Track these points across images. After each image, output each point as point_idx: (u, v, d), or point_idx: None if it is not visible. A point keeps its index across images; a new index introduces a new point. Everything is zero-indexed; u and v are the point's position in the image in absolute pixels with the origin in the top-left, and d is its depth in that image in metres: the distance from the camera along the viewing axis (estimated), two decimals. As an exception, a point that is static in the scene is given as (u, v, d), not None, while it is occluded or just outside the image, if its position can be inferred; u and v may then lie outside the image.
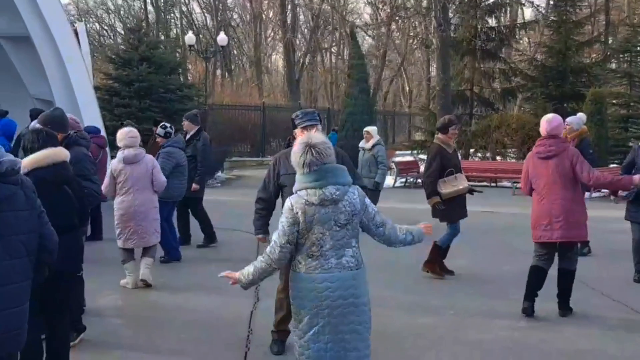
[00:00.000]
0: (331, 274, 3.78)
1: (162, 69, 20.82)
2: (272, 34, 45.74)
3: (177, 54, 32.79)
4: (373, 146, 11.14)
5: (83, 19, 48.45)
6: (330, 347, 3.80)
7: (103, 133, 12.25)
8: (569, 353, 5.49)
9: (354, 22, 38.31)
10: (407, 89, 46.76)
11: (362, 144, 11.44)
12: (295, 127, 4.91)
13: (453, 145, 8.16)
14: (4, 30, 13.85)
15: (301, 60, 43.75)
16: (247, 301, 6.66)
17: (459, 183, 7.93)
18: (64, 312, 4.75)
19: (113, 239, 7.64)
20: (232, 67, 46.74)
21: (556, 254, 6.46)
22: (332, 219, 3.77)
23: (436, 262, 8.08)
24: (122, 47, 22.45)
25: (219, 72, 43.62)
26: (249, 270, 3.89)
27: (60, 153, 4.67)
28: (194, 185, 9.19)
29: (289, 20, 41.92)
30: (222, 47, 26.43)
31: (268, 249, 3.86)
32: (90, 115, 13.96)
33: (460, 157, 9.18)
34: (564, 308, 6.49)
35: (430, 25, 22.69)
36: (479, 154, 22.34)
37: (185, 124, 9.72)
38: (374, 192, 11.10)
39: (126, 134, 7.35)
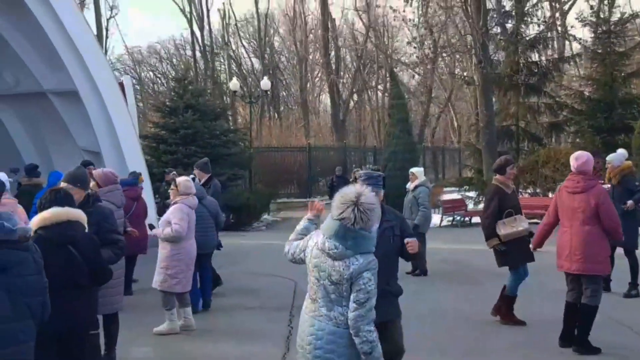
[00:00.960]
0: (320, 322, 3.83)
1: (206, 116, 21.30)
2: (319, 74, 46.27)
3: (224, 100, 33.43)
4: (415, 187, 11.21)
5: (136, 70, 50.19)
6: None
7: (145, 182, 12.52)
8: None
9: (393, 63, 38.54)
10: (456, 124, 46.56)
11: (408, 185, 11.51)
12: None
13: (512, 186, 8.06)
14: (54, 86, 14.45)
15: (347, 100, 44.11)
16: (277, 351, 6.69)
17: (518, 224, 7.73)
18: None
19: (142, 289, 7.79)
20: (281, 109, 47.45)
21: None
22: (327, 271, 3.80)
23: (510, 311, 7.86)
24: (170, 96, 23.06)
25: (267, 114, 44.21)
26: None
27: (65, 213, 4.67)
28: None
29: (333, 61, 42.42)
30: (266, 91, 26.82)
31: None
32: (134, 163, 14.40)
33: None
34: (579, 344, 6.48)
35: (471, 63, 22.62)
36: (529, 191, 21.97)
37: (196, 172, 9.85)
38: (418, 235, 11.12)
39: (186, 181, 7.81)
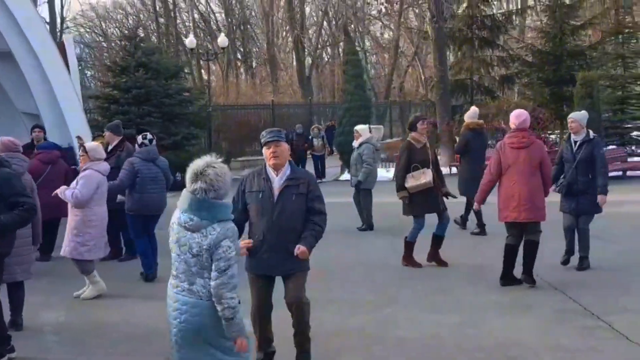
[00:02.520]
0: (183, 297, 3.91)
1: (160, 74, 21.19)
2: (285, 32, 45.98)
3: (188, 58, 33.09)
4: (360, 145, 11.49)
5: (101, 26, 49.36)
6: None
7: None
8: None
9: (347, 20, 38.28)
10: (423, 77, 46.58)
11: (353, 143, 11.76)
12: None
13: (423, 141, 8.51)
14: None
15: (313, 56, 43.94)
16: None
17: (424, 178, 8.27)
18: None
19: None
20: (254, 65, 47.08)
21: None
22: (187, 244, 3.88)
23: (410, 255, 8.62)
24: (122, 54, 22.83)
25: (234, 72, 43.92)
26: None
27: None
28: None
29: (298, 17, 42.12)
30: (223, 48, 26.67)
31: None
32: (76, 126, 14.44)
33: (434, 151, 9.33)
34: (528, 274, 7.37)
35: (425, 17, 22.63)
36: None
37: (107, 134, 9.70)
38: (364, 191, 11.46)
39: (96, 146, 7.88)
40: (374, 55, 49.79)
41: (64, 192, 7.45)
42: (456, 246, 9.33)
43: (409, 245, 8.60)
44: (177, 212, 3.97)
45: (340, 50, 45.41)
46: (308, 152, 22.20)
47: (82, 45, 43.70)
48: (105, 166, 7.83)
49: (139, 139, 8.61)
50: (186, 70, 27.52)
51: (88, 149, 7.77)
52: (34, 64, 13.99)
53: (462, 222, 11.05)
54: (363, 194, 11.56)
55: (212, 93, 28.75)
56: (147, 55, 21.08)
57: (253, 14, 47.68)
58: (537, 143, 7.48)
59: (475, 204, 7.86)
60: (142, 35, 23.53)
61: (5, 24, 13.60)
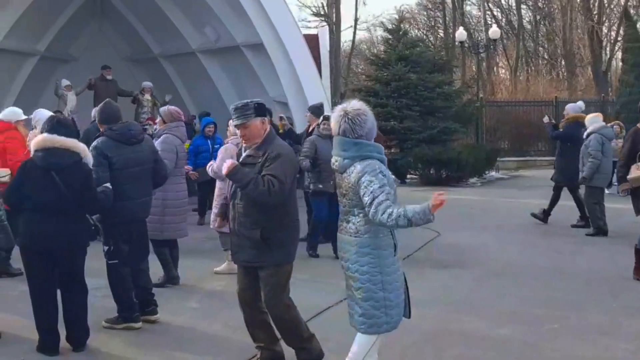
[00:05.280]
0: (342, 235, 4.18)
1: (422, 67, 20.90)
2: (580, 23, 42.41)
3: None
4: (587, 135, 10.34)
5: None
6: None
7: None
8: None
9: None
10: None
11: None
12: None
13: None
14: (244, 40, 15.35)
15: (611, 49, 39.88)
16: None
17: None
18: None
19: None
20: (542, 60, 44.52)
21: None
22: (341, 186, 4.15)
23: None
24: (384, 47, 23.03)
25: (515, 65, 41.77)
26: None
27: (50, 139, 5.08)
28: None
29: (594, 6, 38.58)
30: (494, 40, 25.39)
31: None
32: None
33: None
34: None
35: None
36: None
37: (308, 115, 10.20)
38: (591, 189, 10.25)
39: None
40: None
41: (209, 166, 7.55)
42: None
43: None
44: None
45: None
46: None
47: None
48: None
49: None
50: (454, 64, 26.74)
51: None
52: (282, 55, 14.63)
53: (545, 215, 10.99)
54: (589, 192, 10.16)
55: (487, 88, 27.64)
56: (408, 48, 20.97)
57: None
58: None
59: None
60: (405, 27, 23.29)
61: (257, 16, 14.41)
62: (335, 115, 4.10)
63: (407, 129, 20.05)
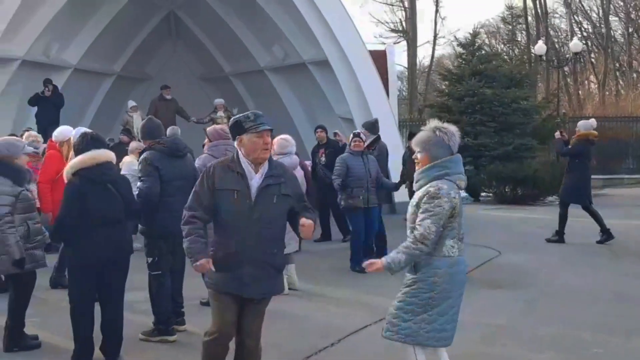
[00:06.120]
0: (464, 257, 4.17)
1: (498, 83, 20.39)
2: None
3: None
4: None
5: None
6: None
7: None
8: None
9: None
10: None
11: None
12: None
13: None
14: (311, 56, 15.42)
15: None
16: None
17: None
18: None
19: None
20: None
21: None
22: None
23: None
24: (457, 62, 22.62)
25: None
26: (399, 258, 3.99)
27: (104, 155, 5.28)
28: None
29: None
30: (576, 54, 24.50)
31: (419, 233, 3.94)
32: (386, 130, 14.61)
33: None
34: None
35: None
36: None
37: (362, 131, 9.85)
38: None
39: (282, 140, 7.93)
40: None
41: None
42: None
43: None
44: (447, 182, 4.12)
45: None
46: None
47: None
48: (287, 160, 7.56)
49: None
50: (532, 79, 25.95)
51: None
52: (348, 72, 14.59)
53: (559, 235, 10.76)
54: None
55: (572, 103, 26.66)
56: (483, 62, 20.53)
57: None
58: None
59: None
60: (480, 42, 22.82)
61: (322, 34, 14.45)
62: (457, 134, 4.14)
63: (481, 145, 19.58)
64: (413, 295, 4.02)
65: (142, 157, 5.90)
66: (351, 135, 9.11)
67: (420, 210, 3.97)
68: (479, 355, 5.41)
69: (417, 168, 4.18)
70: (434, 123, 4.19)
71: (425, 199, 3.98)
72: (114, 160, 5.43)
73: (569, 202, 10.90)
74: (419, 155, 4.13)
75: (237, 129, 4.21)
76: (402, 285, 4.12)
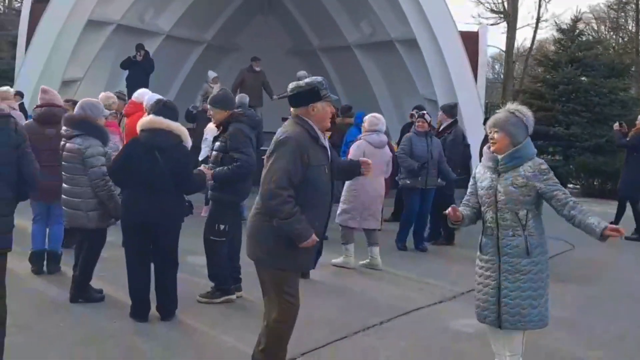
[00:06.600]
0: None
1: (597, 71, 19.51)
2: None
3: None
4: None
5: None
6: None
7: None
8: None
9: None
10: None
11: None
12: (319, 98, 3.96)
13: None
14: (399, 35, 15.21)
15: None
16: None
17: None
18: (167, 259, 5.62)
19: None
20: None
21: None
22: None
23: None
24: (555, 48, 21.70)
25: None
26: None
27: (158, 121, 5.41)
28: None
29: None
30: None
31: (573, 199, 4.04)
32: (470, 113, 14.30)
33: None
34: None
35: None
36: None
37: (439, 114, 10.01)
38: None
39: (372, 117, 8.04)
40: None
41: None
42: None
43: None
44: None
45: None
46: None
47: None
48: (375, 138, 7.70)
49: None
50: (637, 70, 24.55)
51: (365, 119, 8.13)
52: (436, 52, 14.31)
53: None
54: None
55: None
56: (582, 49, 19.69)
57: None
58: None
59: None
60: (580, 28, 21.79)
61: (412, 12, 14.19)
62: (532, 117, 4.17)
63: (572, 135, 18.87)
64: (537, 279, 4.08)
65: (235, 128, 5.90)
66: (416, 115, 8.99)
67: (552, 182, 4.02)
68: (529, 346, 5.27)
69: (492, 149, 4.18)
70: (509, 105, 4.26)
71: (539, 175, 4.02)
72: (178, 132, 5.48)
73: (626, 197, 10.65)
74: (495, 136, 4.13)
75: (313, 96, 3.92)
76: (514, 273, 4.06)
